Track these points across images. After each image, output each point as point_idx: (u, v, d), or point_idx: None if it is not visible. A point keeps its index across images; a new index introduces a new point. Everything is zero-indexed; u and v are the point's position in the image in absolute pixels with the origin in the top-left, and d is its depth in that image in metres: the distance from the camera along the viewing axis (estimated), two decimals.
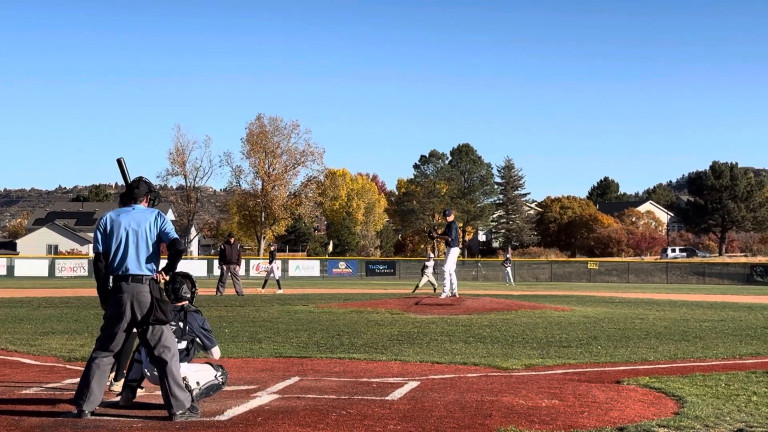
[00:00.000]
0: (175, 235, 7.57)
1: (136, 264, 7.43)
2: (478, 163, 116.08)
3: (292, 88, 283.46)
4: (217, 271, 35.13)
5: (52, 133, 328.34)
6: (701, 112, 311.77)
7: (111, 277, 7.46)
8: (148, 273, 7.43)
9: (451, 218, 22.03)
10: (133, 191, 7.80)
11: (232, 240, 31.94)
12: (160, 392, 7.53)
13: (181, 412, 7.19)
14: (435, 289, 33.75)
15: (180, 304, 8.26)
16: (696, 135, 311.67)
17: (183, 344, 7.94)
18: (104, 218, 7.68)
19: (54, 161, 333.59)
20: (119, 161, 8.54)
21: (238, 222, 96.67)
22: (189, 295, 8.35)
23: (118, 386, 8.60)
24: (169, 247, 7.50)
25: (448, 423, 7.14)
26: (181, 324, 8.04)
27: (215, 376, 8.06)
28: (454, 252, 21.65)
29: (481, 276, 65.63)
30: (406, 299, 23.09)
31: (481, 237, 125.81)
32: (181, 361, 7.66)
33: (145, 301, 7.34)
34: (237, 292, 29.90)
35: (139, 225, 7.53)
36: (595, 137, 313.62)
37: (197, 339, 8.14)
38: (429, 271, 35.49)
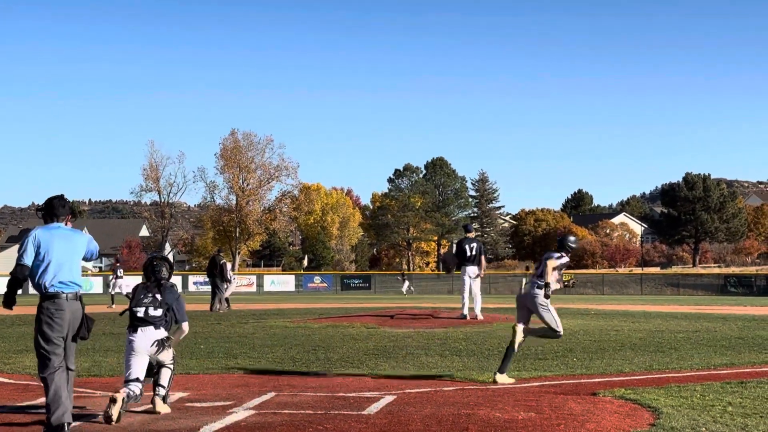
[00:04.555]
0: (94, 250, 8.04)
1: (71, 282, 7.65)
2: (453, 177, 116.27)
3: (265, 103, 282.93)
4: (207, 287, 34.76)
5: (24, 149, 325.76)
6: (674, 124, 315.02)
7: (42, 294, 7.57)
8: (80, 289, 7.77)
9: (471, 234, 21.78)
10: (56, 209, 7.88)
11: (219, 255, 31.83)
12: (137, 403, 7.71)
13: (69, 421, 7.31)
14: (228, 305, 30.76)
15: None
16: (669, 147, 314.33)
17: (159, 312, 8.60)
18: (35, 234, 7.70)
19: (27, 178, 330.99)
20: None
21: (213, 237, 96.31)
22: (167, 275, 8.99)
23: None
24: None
25: None
26: (158, 296, 8.69)
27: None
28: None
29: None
30: (381, 312, 23.01)
31: None
32: (157, 326, 8.51)
33: (78, 317, 7.67)
34: (211, 306, 29.90)
35: (75, 247, 7.79)
36: (568, 150, 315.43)
37: (172, 309, 8.72)
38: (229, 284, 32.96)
